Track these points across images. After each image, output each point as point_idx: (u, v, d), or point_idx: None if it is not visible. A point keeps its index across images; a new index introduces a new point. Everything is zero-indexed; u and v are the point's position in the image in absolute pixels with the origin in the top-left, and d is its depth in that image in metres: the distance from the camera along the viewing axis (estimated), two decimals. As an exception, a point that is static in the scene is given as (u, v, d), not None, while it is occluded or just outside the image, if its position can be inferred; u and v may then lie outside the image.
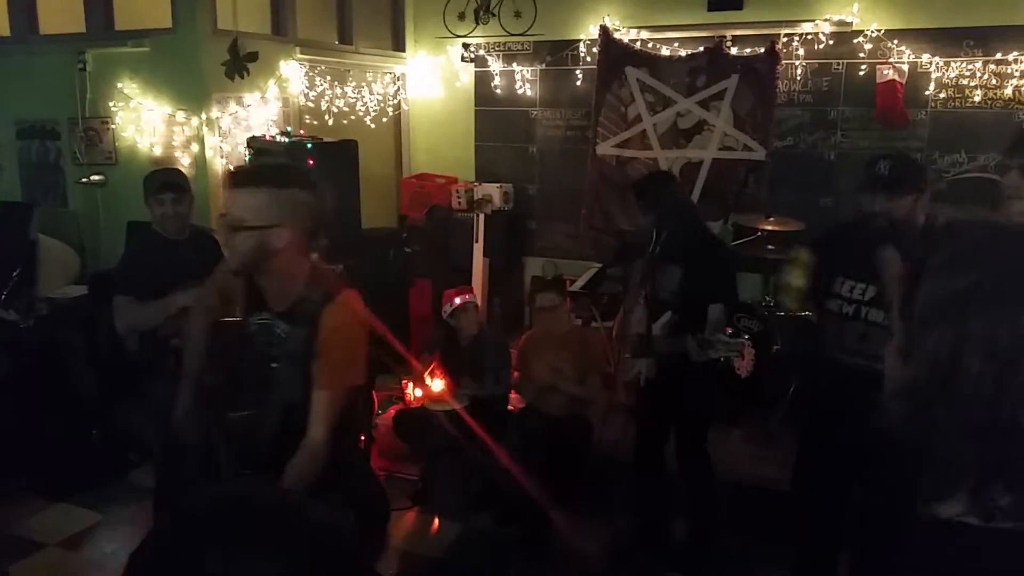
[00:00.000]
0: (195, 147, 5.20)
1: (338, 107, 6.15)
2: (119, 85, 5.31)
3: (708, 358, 2.98)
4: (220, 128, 5.21)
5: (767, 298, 5.07)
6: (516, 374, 4.42)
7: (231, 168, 1.74)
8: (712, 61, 5.78)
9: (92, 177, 5.49)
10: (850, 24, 5.59)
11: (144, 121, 5.28)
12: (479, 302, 4.46)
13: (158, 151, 5.27)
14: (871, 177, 2.71)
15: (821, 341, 2.94)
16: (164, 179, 3.51)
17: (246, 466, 2.17)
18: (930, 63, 5.46)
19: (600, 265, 5.94)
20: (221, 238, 2.38)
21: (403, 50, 6.95)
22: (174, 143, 5.23)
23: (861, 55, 5.61)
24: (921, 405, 0.98)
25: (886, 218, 2.67)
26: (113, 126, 5.40)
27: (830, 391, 2.92)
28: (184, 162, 5.14)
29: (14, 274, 4.57)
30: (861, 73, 5.64)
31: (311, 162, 4.22)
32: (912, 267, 1.04)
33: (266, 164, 2.03)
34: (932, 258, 1.02)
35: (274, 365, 2.12)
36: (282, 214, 2.03)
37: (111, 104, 5.36)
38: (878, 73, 5.54)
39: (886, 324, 2.67)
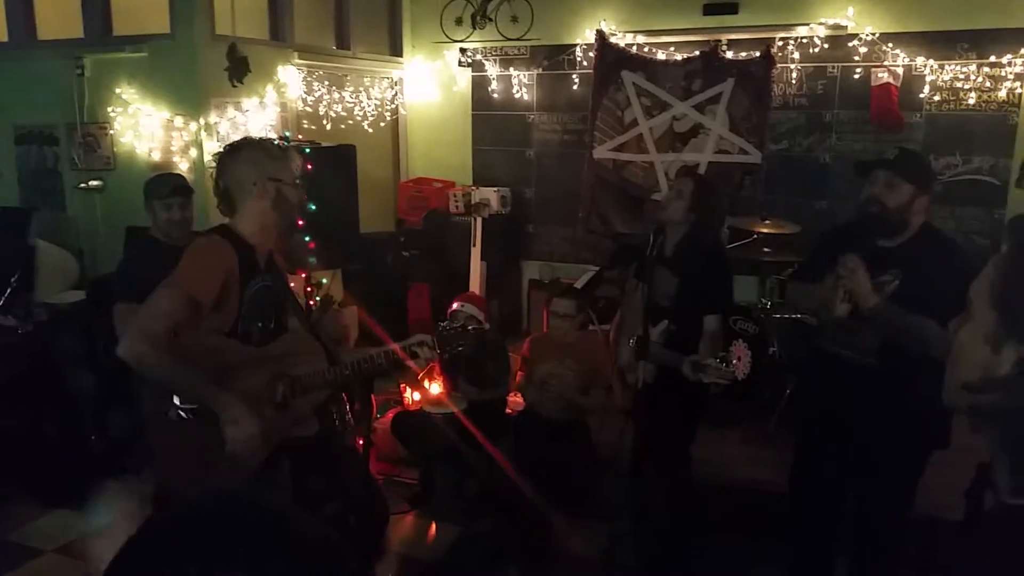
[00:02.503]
0: (193, 152, 5.21)
1: (336, 112, 6.17)
2: (117, 90, 5.32)
3: (700, 380, 2.97)
4: (218, 133, 5.23)
5: (763, 300, 5.09)
6: (519, 377, 4.41)
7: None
8: (708, 65, 5.80)
9: (90, 182, 5.50)
10: (845, 28, 5.62)
11: (142, 126, 5.29)
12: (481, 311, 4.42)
13: (156, 156, 5.29)
14: (877, 159, 2.72)
15: (817, 336, 2.95)
16: (175, 183, 3.52)
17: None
18: (925, 66, 5.48)
19: (597, 268, 5.96)
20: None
21: (400, 55, 6.97)
22: (172, 148, 5.24)
23: (856, 58, 5.64)
24: None
25: (878, 206, 2.64)
26: (111, 131, 5.41)
27: (826, 387, 2.92)
28: (182, 167, 5.14)
29: (12, 279, 4.58)
30: (856, 76, 5.67)
31: (309, 167, 4.22)
32: (1017, 259, 1.03)
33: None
34: None
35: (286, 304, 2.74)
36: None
37: (109, 109, 5.37)
38: (873, 76, 5.57)
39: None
